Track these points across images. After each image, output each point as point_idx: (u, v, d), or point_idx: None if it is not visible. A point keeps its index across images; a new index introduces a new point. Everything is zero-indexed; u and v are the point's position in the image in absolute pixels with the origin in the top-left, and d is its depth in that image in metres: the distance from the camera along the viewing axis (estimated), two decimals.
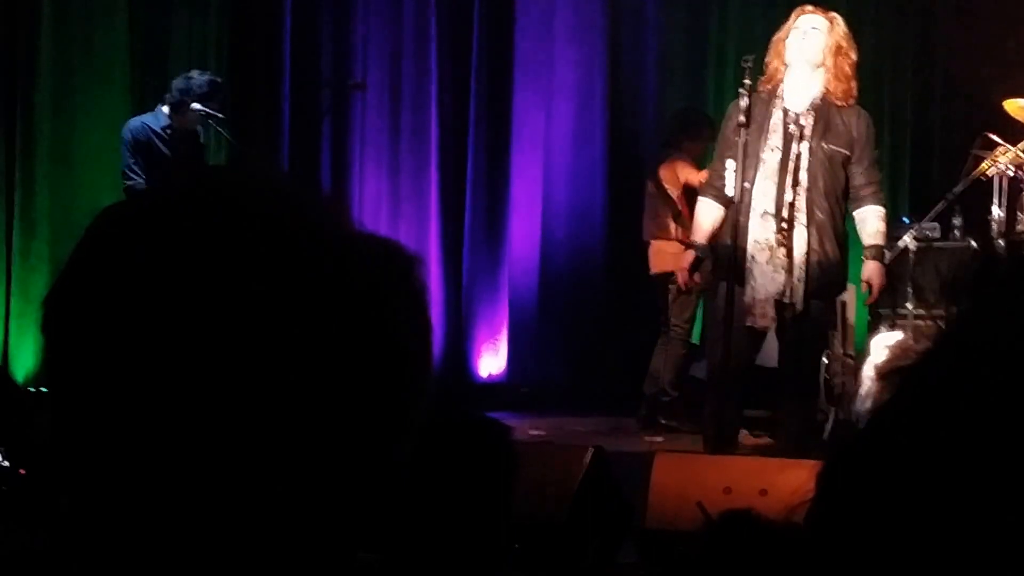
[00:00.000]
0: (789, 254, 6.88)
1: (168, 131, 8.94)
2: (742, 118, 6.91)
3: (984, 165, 8.83)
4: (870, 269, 7.18)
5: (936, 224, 9.29)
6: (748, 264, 6.91)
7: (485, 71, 11.22)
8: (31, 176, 10.12)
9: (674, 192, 9.54)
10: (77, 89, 10.23)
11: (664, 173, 9.58)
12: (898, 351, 0.97)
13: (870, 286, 7.20)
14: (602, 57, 11.31)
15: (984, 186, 8.98)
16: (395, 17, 11.21)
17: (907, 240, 9.02)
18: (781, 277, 6.89)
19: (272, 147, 10.71)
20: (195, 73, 9.15)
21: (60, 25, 10.21)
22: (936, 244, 9.27)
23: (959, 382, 0.93)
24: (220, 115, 9.34)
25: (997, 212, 9.02)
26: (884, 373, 0.96)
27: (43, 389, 9.21)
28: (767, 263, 6.90)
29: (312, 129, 10.99)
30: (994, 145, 8.87)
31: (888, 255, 9.13)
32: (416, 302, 1.12)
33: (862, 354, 9.15)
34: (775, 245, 6.89)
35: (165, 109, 9.03)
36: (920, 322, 8.97)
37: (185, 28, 10.68)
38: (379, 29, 11.20)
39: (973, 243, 9.20)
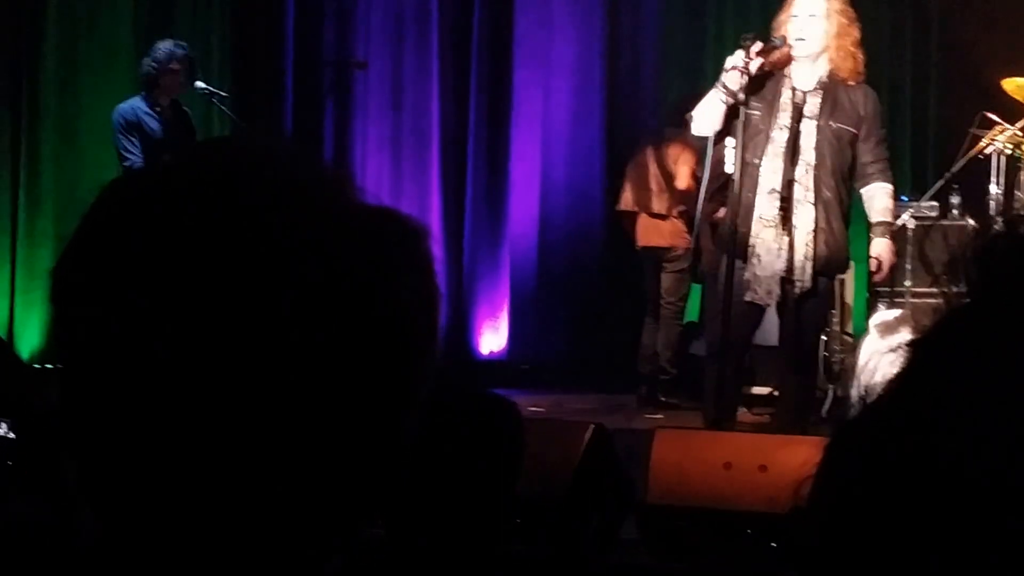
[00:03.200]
0: (795, 231, 6.88)
1: (156, 108, 8.95)
2: (741, 96, 6.91)
3: (982, 144, 8.86)
4: (879, 246, 7.16)
5: (935, 203, 9.31)
6: (752, 241, 6.91)
7: (485, 50, 11.23)
8: (36, 153, 10.12)
9: (676, 170, 9.58)
10: (82, 66, 10.23)
11: (672, 151, 9.60)
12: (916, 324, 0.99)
13: (880, 263, 7.19)
14: (601, 36, 11.32)
15: (982, 165, 9.00)
16: None
17: (906, 219, 9.05)
18: (788, 254, 6.88)
19: (274, 125, 10.73)
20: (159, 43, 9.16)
21: (65, 4, 10.22)
22: (935, 222, 9.29)
23: (972, 356, 0.93)
24: (223, 93, 9.35)
25: (995, 191, 9.04)
26: (897, 346, 0.96)
27: (48, 366, 9.29)
28: (773, 240, 6.89)
29: (314, 108, 11.01)
30: (992, 124, 8.89)
31: None
32: (423, 273, 1.11)
33: (861, 332, 9.17)
34: (781, 222, 6.89)
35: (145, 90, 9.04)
36: (919, 300, 9.00)
37: (189, 6, 10.70)
38: (381, 8, 11.21)
39: (971, 221, 9.22)
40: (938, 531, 0.89)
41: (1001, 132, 8.83)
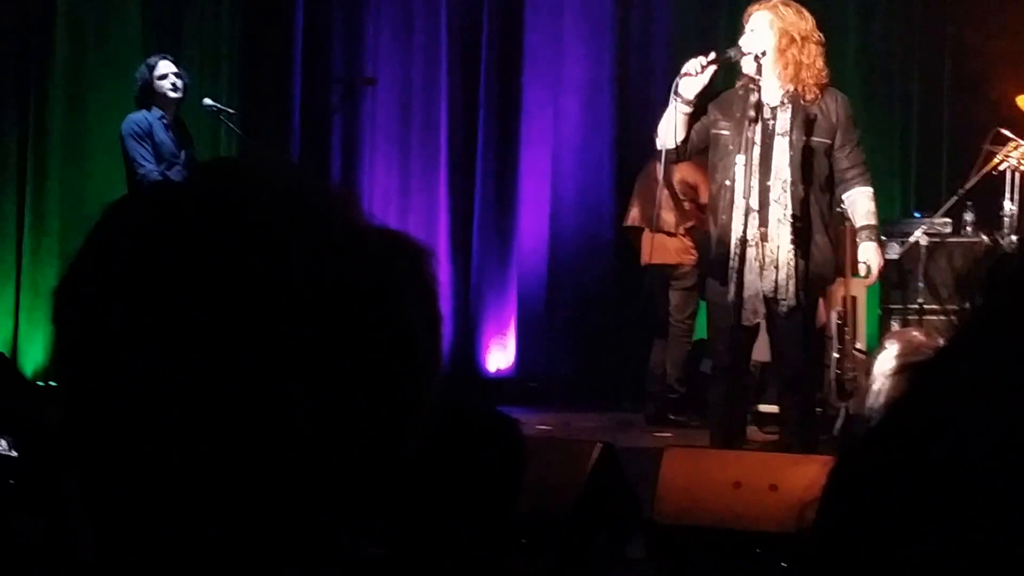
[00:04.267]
0: (776, 249, 6.82)
1: (164, 120, 8.92)
2: (752, 113, 6.86)
3: (995, 160, 8.82)
4: (868, 250, 7.11)
5: (948, 219, 9.26)
6: (733, 262, 6.86)
7: (494, 66, 11.21)
8: (42, 170, 10.10)
9: (683, 187, 9.53)
10: (90, 83, 10.23)
11: (680, 168, 9.54)
12: (909, 346, 0.96)
13: (868, 267, 7.14)
14: (611, 52, 11.28)
15: (996, 181, 8.96)
16: (406, 12, 11.21)
17: (919, 235, 9.01)
18: (771, 273, 6.82)
19: (282, 142, 10.70)
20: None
21: (74, 18, 10.20)
22: (948, 239, 9.24)
23: (975, 380, 0.91)
24: (230, 110, 9.32)
25: (1009, 207, 9.00)
26: (897, 369, 0.94)
27: (51, 383, 9.28)
28: (754, 259, 6.84)
29: (322, 124, 11.00)
30: (1006, 140, 8.86)
31: (899, 249, 9.12)
32: (427, 295, 1.12)
33: (874, 350, 9.12)
34: (760, 241, 6.84)
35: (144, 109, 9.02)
36: (932, 317, 8.95)
37: (198, 22, 10.68)
38: (390, 24, 11.20)
39: (985, 238, 9.17)
40: (941, 552, 0.88)
41: (1015, 148, 8.79)
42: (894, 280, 9.28)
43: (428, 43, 11.20)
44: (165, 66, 8.92)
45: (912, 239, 9.02)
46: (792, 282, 6.81)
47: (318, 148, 10.89)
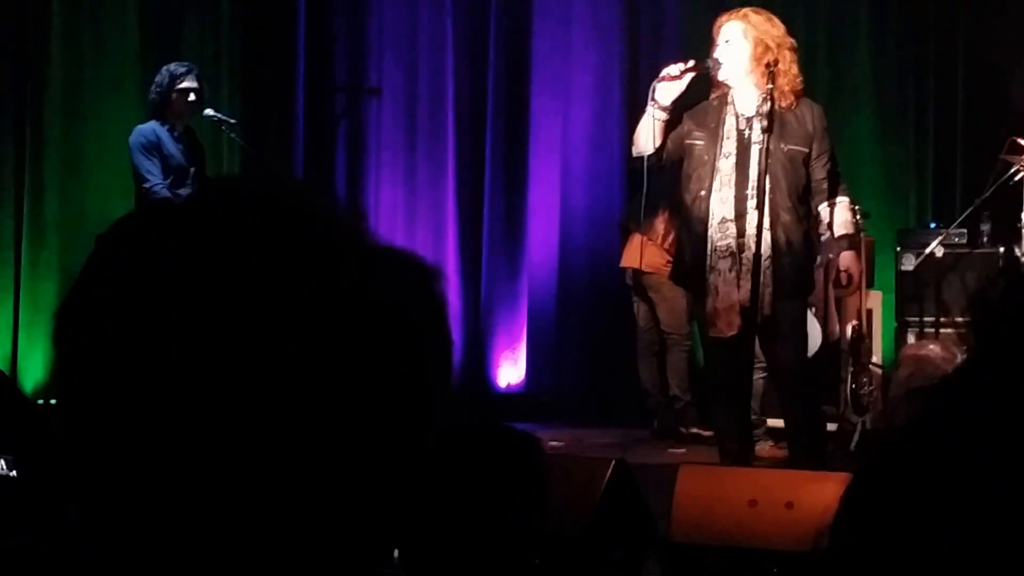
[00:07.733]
0: (754, 259, 6.74)
1: (174, 133, 8.85)
2: (765, 123, 6.80)
3: (1012, 170, 8.76)
4: (847, 259, 7.12)
5: (964, 230, 9.19)
6: (708, 274, 6.80)
7: (502, 75, 11.19)
8: (40, 183, 10.09)
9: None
10: (88, 94, 10.22)
11: None
12: (923, 363, 0.91)
13: (849, 276, 7.10)
14: (620, 60, 11.22)
15: (1013, 191, 8.89)
16: (411, 21, 11.20)
17: (935, 246, 8.94)
18: (747, 284, 6.76)
19: (286, 152, 10.70)
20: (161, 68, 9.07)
21: (71, 30, 10.23)
22: (964, 250, 9.17)
23: (991, 400, 0.92)
24: (232, 120, 9.26)
25: None
26: (909, 392, 0.94)
27: (52, 401, 9.25)
28: (730, 271, 6.78)
29: (327, 134, 10.99)
30: (1022, 150, 8.80)
31: (915, 260, 9.06)
32: (436, 316, 1.12)
33: (889, 363, 9.06)
34: (737, 251, 6.77)
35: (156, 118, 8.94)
36: (948, 330, 8.89)
37: (197, 33, 10.68)
38: (395, 33, 11.20)
39: (1001, 249, 9.10)
40: (957, 571, 0.89)
41: None
42: (910, 292, 9.22)
43: (433, 51, 11.18)
44: (190, 82, 8.86)
45: (928, 250, 8.95)
46: (768, 291, 6.76)
47: (322, 159, 10.88)
